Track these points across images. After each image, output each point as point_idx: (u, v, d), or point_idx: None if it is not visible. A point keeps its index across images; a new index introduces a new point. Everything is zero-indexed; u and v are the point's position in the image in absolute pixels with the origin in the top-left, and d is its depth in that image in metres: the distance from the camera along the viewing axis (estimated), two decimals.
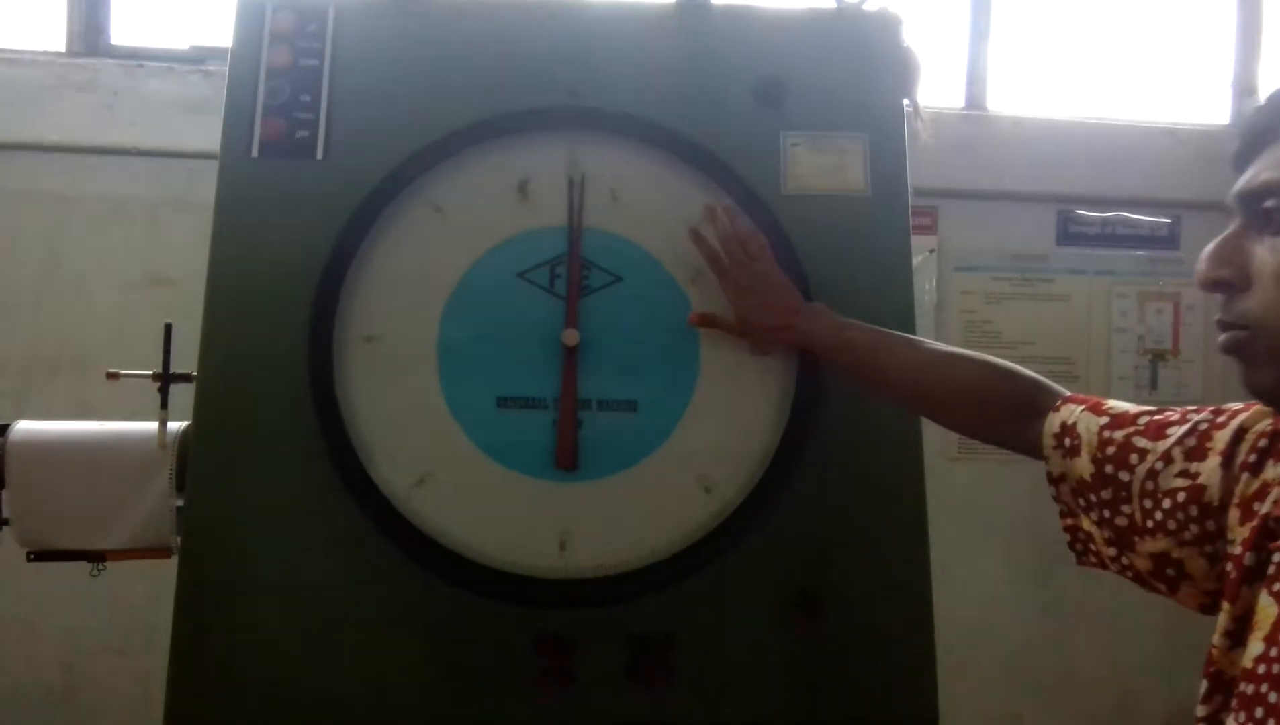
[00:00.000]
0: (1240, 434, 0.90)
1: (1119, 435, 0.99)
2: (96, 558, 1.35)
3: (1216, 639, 0.85)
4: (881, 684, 1.31)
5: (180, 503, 1.33)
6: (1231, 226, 0.83)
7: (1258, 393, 0.82)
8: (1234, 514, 0.88)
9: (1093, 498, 1.01)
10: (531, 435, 1.31)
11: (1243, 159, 0.84)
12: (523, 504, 1.30)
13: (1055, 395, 1.12)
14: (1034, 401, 1.13)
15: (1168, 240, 3.10)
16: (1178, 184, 3.04)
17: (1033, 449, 1.11)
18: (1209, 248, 0.83)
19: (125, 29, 2.89)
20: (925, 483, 1.36)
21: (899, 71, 1.47)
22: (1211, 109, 3.31)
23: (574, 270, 1.35)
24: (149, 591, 2.46)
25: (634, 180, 1.38)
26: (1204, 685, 0.86)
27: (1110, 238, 3.05)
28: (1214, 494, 0.90)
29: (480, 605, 1.27)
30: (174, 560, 1.31)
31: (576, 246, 1.35)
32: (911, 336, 1.28)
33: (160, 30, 2.90)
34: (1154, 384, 2.97)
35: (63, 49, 2.82)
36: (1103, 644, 3.08)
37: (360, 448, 1.28)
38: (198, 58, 2.78)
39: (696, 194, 1.37)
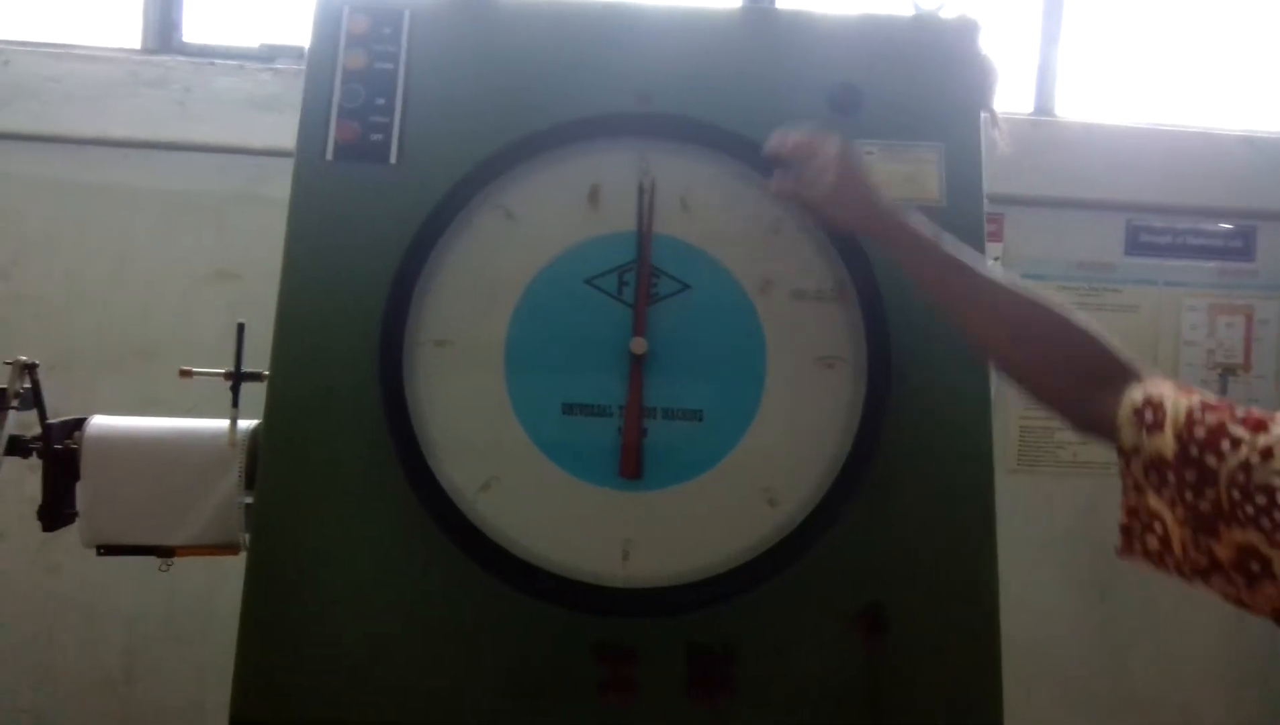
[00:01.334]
0: None
1: (1211, 418, 0.95)
2: (165, 553, 1.37)
3: None
4: (946, 701, 1.29)
5: (249, 500, 1.35)
6: None
7: None
8: None
9: (1171, 477, 0.96)
10: (597, 442, 1.31)
11: None
12: (586, 511, 1.30)
13: (1135, 372, 1.07)
14: (1111, 368, 1.08)
15: (1242, 251, 3.00)
16: (1253, 193, 2.95)
17: (1094, 422, 1.06)
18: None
19: (197, 26, 2.94)
20: (995, 493, 1.33)
21: (976, 80, 1.45)
22: None
23: (643, 277, 1.34)
24: (209, 580, 2.50)
25: (704, 188, 1.37)
26: None
27: (1181, 248, 2.97)
28: None
29: (542, 611, 1.27)
30: (240, 556, 1.35)
31: (646, 253, 1.35)
32: (1003, 272, 1.21)
33: (231, 28, 2.95)
34: (1224, 393, 2.89)
35: (137, 46, 2.87)
36: (1162, 660, 3.01)
37: (428, 450, 1.29)
38: (267, 56, 2.82)
39: (767, 203, 1.36)
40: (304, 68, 1.43)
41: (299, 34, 2.87)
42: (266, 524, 1.30)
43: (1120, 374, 1.07)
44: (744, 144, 1.36)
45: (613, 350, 1.32)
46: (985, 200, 1.42)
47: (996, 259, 2.79)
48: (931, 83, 1.43)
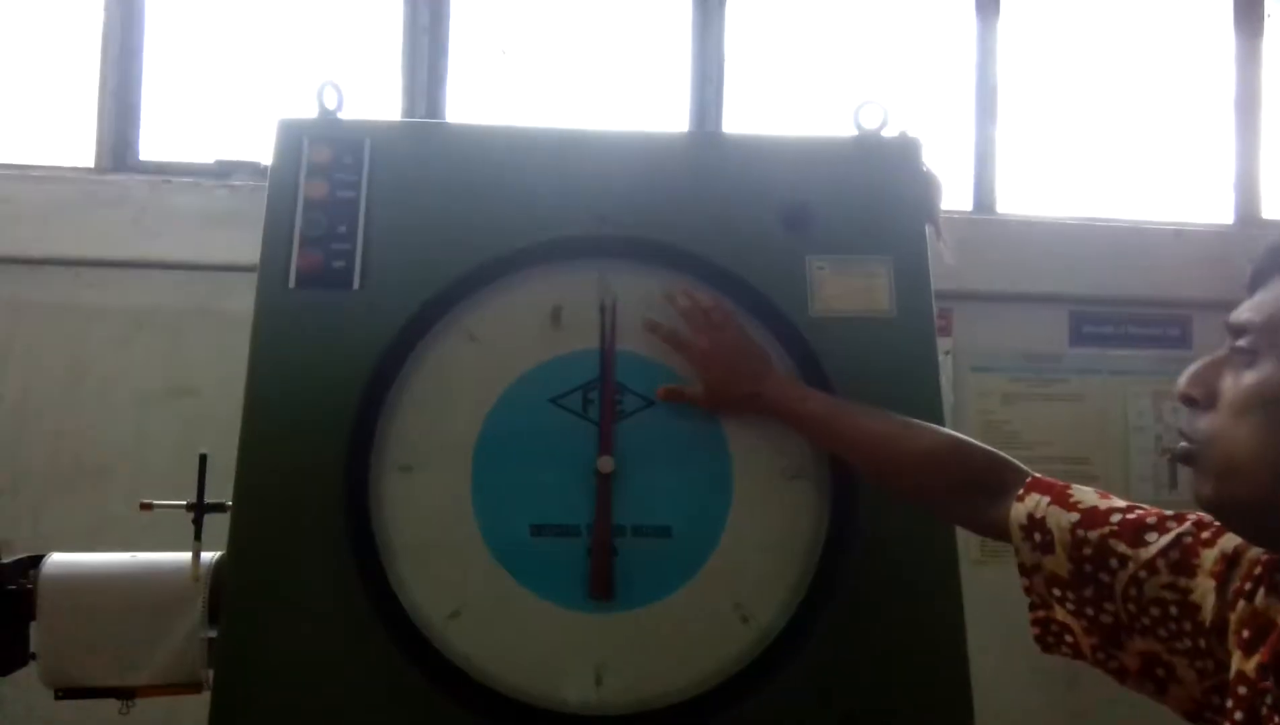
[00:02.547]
0: (1235, 559, 0.90)
1: (1093, 536, 0.99)
2: (126, 694, 1.33)
3: None
4: None
5: (213, 635, 1.32)
6: (1221, 349, 0.86)
7: (1200, 501, 0.84)
8: (1232, 641, 0.87)
9: (1071, 594, 1.00)
10: (566, 564, 1.30)
11: (1248, 289, 0.86)
12: (558, 636, 1.29)
13: (1018, 474, 1.12)
14: (994, 479, 1.13)
15: (1179, 339, 3.12)
16: (1187, 284, 3.08)
17: (992, 530, 1.11)
18: (1192, 366, 0.87)
19: (153, 143, 2.96)
20: (963, 596, 1.35)
21: (920, 194, 1.51)
22: (1216, 209, 3.36)
23: (607, 396, 1.36)
24: (166, 715, 2.41)
25: (666, 306, 1.39)
26: None
27: (1123, 337, 3.07)
28: (1208, 615, 0.90)
29: None
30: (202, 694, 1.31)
31: (609, 372, 1.37)
32: (875, 407, 1.29)
33: (187, 144, 2.98)
34: (1174, 483, 2.95)
35: (92, 165, 2.89)
36: None
37: (395, 580, 1.28)
38: (223, 172, 2.85)
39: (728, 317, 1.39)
40: (260, 183, 1.45)
41: (254, 150, 2.90)
42: (231, 660, 1.27)
43: (1011, 480, 1.11)
44: (701, 262, 1.40)
45: (580, 469, 1.33)
46: (935, 309, 1.46)
47: (947, 353, 2.86)
48: (877, 199, 1.49)
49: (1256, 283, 0.85)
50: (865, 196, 1.49)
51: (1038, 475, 1.11)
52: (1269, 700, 0.81)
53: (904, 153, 1.52)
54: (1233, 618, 0.88)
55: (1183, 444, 0.86)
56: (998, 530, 1.10)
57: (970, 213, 3.11)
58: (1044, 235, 3.07)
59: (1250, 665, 0.84)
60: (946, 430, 1.23)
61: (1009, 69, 3.28)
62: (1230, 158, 3.36)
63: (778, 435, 1.36)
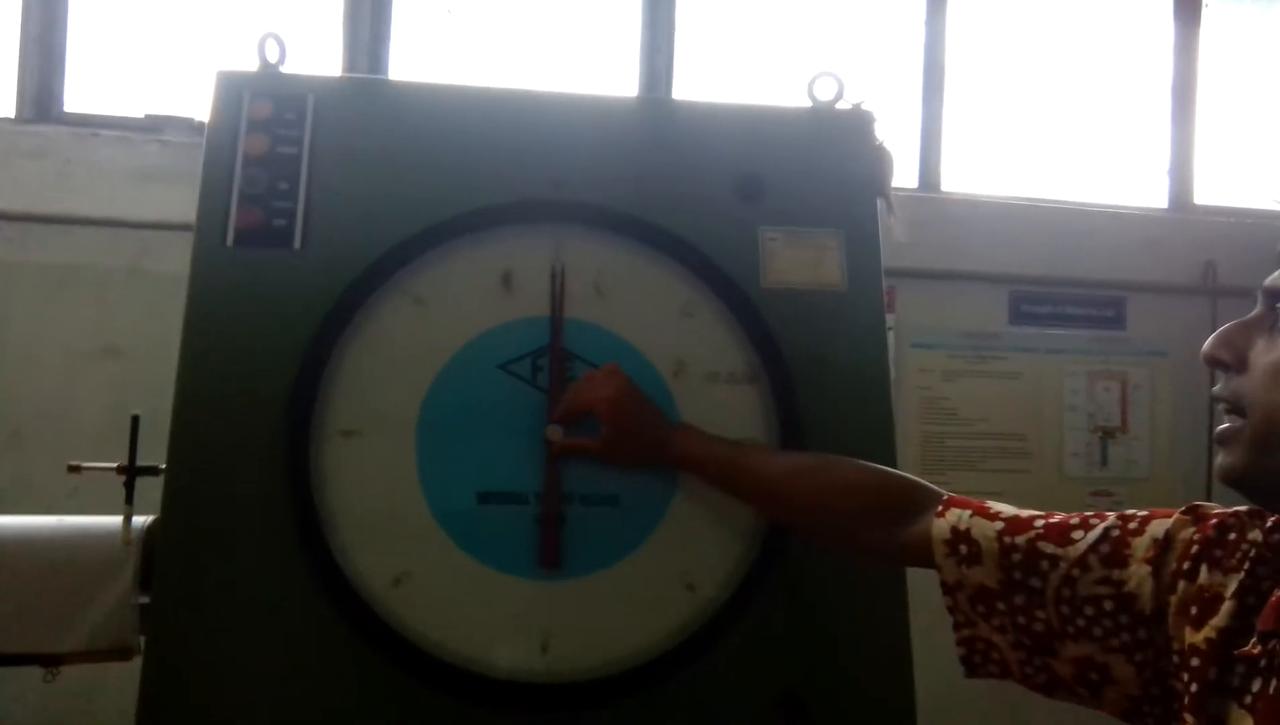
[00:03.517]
0: (1167, 542, 0.91)
1: (1020, 541, 0.99)
2: (52, 661, 1.29)
3: None
4: None
5: (144, 601, 1.28)
6: (1251, 313, 0.86)
7: (1227, 473, 0.84)
8: (1175, 623, 0.89)
9: (1000, 605, 0.99)
10: (512, 532, 1.29)
11: None
12: (503, 603, 1.27)
13: (932, 496, 1.11)
14: (908, 501, 1.12)
15: (1114, 320, 3.20)
16: (1123, 266, 3.16)
17: (911, 553, 1.09)
18: (1220, 329, 0.87)
19: (79, 95, 2.84)
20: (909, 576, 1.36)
21: (872, 168, 1.51)
22: (1150, 193, 3.45)
23: (556, 364, 1.34)
24: (90, 679, 2.35)
25: (617, 273, 1.38)
26: None
27: (1060, 317, 3.14)
28: (1145, 603, 0.91)
29: (459, 709, 1.23)
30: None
31: (558, 339, 1.35)
32: (779, 449, 1.30)
33: (114, 97, 2.86)
34: (1104, 460, 3.04)
35: (12, 115, 2.76)
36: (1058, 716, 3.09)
37: (336, 547, 1.24)
38: (153, 126, 2.74)
39: (679, 287, 1.38)
40: (193, 140, 1.40)
41: (187, 105, 2.80)
42: (164, 627, 1.23)
43: (926, 501, 1.11)
44: (655, 230, 1.39)
45: (528, 437, 1.31)
46: (894, 278, 1.47)
47: (890, 329, 2.88)
48: (830, 172, 1.48)
49: None
50: (818, 169, 1.48)
51: (952, 494, 1.10)
52: (1264, 664, 0.81)
53: (857, 126, 1.52)
54: (1174, 599, 0.89)
55: (1223, 426, 0.85)
56: (917, 551, 1.08)
57: (915, 191, 3.14)
58: (987, 214, 3.11)
59: (1200, 638, 0.85)
60: (855, 460, 1.21)
61: (955, 49, 3.30)
62: (1165, 143, 3.44)
63: (728, 406, 1.36)
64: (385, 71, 2.96)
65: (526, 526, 1.29)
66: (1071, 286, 3.16)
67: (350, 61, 2.92)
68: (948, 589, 1.04)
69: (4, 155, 2.65)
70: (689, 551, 1.31)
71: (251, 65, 1.42)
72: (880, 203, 1.50)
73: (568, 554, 1.29)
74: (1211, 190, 3.46)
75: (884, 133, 1.54)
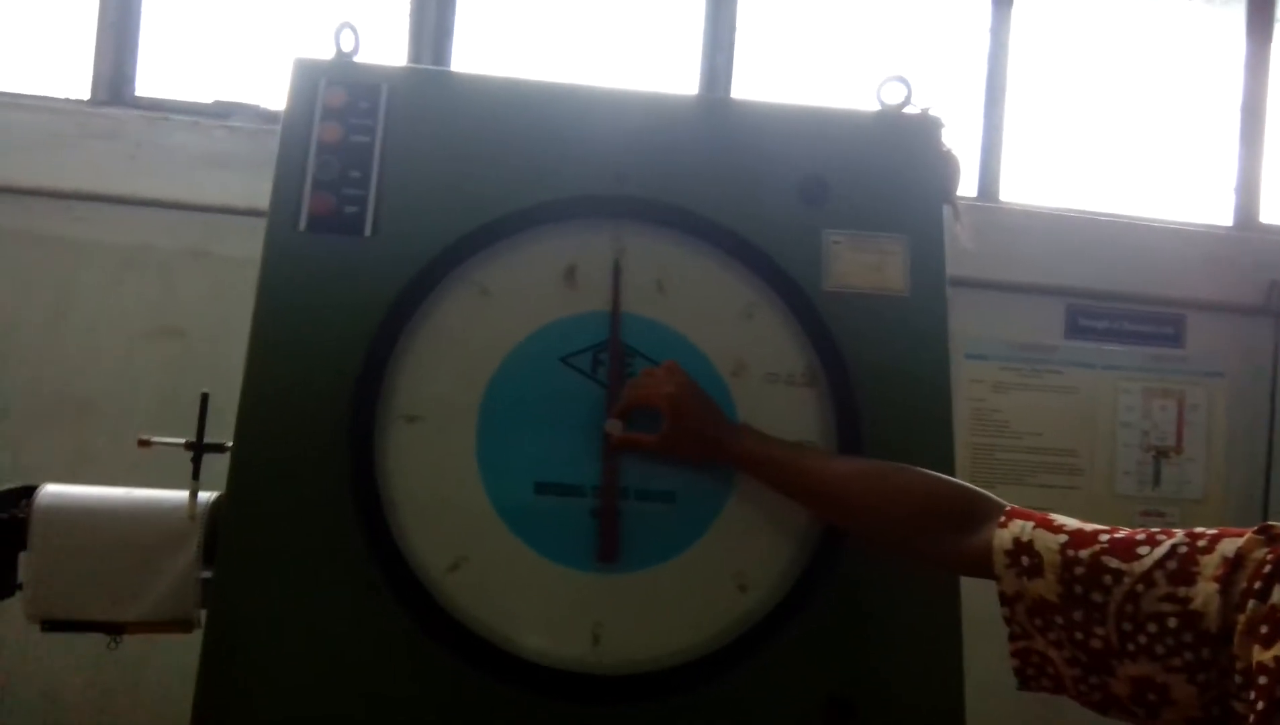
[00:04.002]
0: (1238, 561, 0.89)
1: (1084, 554, 0.97)
2: (115, 629, 1.32)
3: None
4: None
5: (207, 575, 1.31)
6: None
7: None
8: (1241, 642, 0.87)
9: (1058, 619, 0.98)
10: (568, 523, 1.30)
11: None
12: (556, 593, 1.28)
13: (994, 506, 1.10)
14: (970, 511, 1.11)
15: (1173, 338, 3.14)
16: (1183, 283, 3.10)
17: (970, 563, 1.08)
18: None
19: (150, 80, 2.91)
20: (961, 583, 1.35)
21: (939, 174, 1.50)
22: (1215, 210, 3.38)
23: (615, 358, 1.35)
24: (138, 651, 2.40)
25: (679, 270, 1.39)
26: None
27: (1117, 333, 3.09)
28: (1211, 622, 0.89)
29: (509, 696, 1.24)
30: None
31: (616, 333, 1.36)
32: (838, 453, 1.29)
33: (184, 82, 2.92)
34: (1157, 480, 2.99)
35: (87, 97, 2.83)
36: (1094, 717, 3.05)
37: (396, 529, 1.27)
38: (222, 112, 2.80)
39: (741, 287, 1.39)
40: (260, 126, 1.43)
41: (254, 92, 2.85)
42: (225, 601, 1.25)
43: (988, 512, 1.09)
44: (718, 229, 1.39)
45: (587, 430, 1.32)
46: (948, 288, 1.46)
47: None
48: (895, 176, 1.48)
49: None
50: (884, 173, 1.48)
51: (1015, 506, 1.09)
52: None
53: (925, 131, 1.51)
54: (1242, 619, 0.87)
55: None
56: (976, 562, 1.07)
57: (974, 200, 3.11)
58: (1045, 226, 3.07)
59: (1269, 656, 0.84)
60: (915, 468, 1.20)
61: (1018, 57, 3.27)
62: (1233, 161, 3.37)
63: (786, 404, 1.36)
64: (448, 64, 2.99)
65: (582, 518, 1.30)
66: (1130, 302, 3.10)
67: (415, 53, 2.96)
68: (1006, 600, 1.03)
69: (77, 136, 2.71)
70: (742, 552, 1.31)
71: (327, 54, 1.44)
72: (946, 209, 1.49)
73: (622, 548, 1.29)
74: (1278, 209, 3.39)
75: (951, 138, 1.53)
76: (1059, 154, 3.31)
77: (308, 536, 1.27)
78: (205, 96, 2.86)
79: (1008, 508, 1.09)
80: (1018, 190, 3.22)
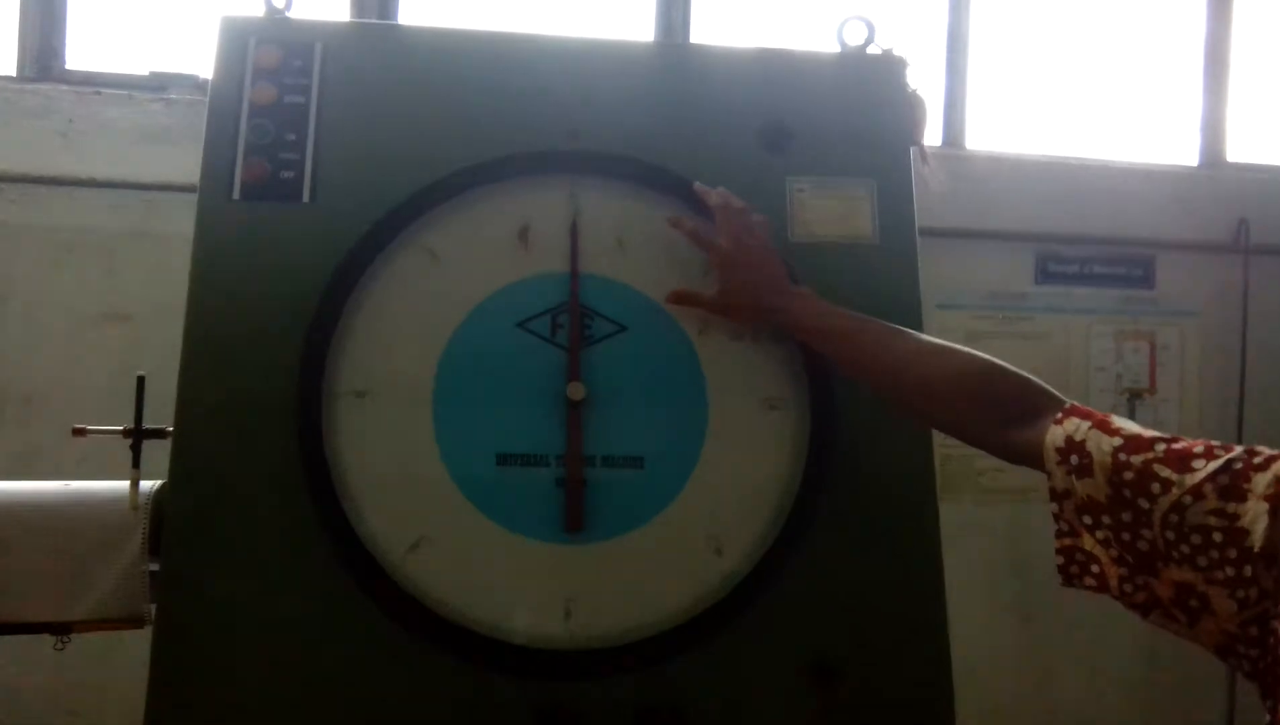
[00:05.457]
0: None
1: (1137, 460, 0.95)
2: (61, 629, 1.25)
3: None
4: None
5: (154, 568, 1.24)
6: None
7: None
8: None
9: (1106, 519, 0.97)
10: (533, 495, 1.24)
11: None
12: (524, 568, 1.23)
13: (1053, 401, 1.08)
14: (1029, 403, 1.09)
15: (1143, 279, 3.12)
16: (1152, 224, 3.07)
17: (1020, 454, 1.07)
18: None
19: (80, 53, 2.77)
20: (941, 534, 1.32)
21: (905, 115, 1.44)
22: (1182, 150, 3.36)
23: (575, 320, 1.29)
24: (103, 648, 2.33)
25: (639, 226, 1.32)
26: None
27: (1088, 277, 3.06)
28: (1257, 539, 0.87)
29: (479, 677, 1.19)
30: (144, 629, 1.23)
31: (575, 294, 1.29)
32: (901, 328, 1.23)
33: (118, 55, 2.80)
34: (1131, 417, 2.98)
35: (14, 73, 2.70)
36: (1086, 682, 3.06)
37: (351, 510, 1.20)
38: (158, 85, 2.68)
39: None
40: (199, 98, 1.34)
41: (192, 62, 2.74)
42: (175, 594, 1.19)
43: (1046, 406, 1.07)
44: (679, 182, 1.32)
45: (548, 396, 1.26)
46: (918, 236, 1.41)
47: None
48: (860, 119, 1.42)
49: None
50: (848, 116, 1.42)
51: (1076, 403, 1.06)
52: None
53: (888, 72, 1.46)
54: None
55: None
56: (1027, 453, 1.05)
57: (939, 148, 3.06)
58: (1012, 172, 3.03)
59: None
60: (977, 353, 1.16)
61: (980, 2, 3.21)
62: (1198, 99, 3.34)
63: (755, 362, 1.31)
64: (395, 17, 2.88)
65: (548, 489, 1.24)
66: (1100, 245, 3.07)
67: (359, 7, 2.84)
68: (1055, 496, 1.02)
69: (5, 115, 2.59)
70: (716, 514, 1.26)
71: (257, 10, 1.35)
72: (913, 152, 1.44)
73: (590, 517, 1.24)
74: (1245, 147, 3.36)
75: (916, 79, 1.47)
76: (1023, 99, 3.27)
77: (257, 522, 1.20)
78: (140, 68, 2.73)
79: (1068, 404, 1.06)
80: (983, 138, 3.17)
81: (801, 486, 1.27)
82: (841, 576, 1.27)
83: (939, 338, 1.24)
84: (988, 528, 2.88)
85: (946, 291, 2.91)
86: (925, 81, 3.06)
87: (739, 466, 1.28)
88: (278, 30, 1.35)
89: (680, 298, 1.28)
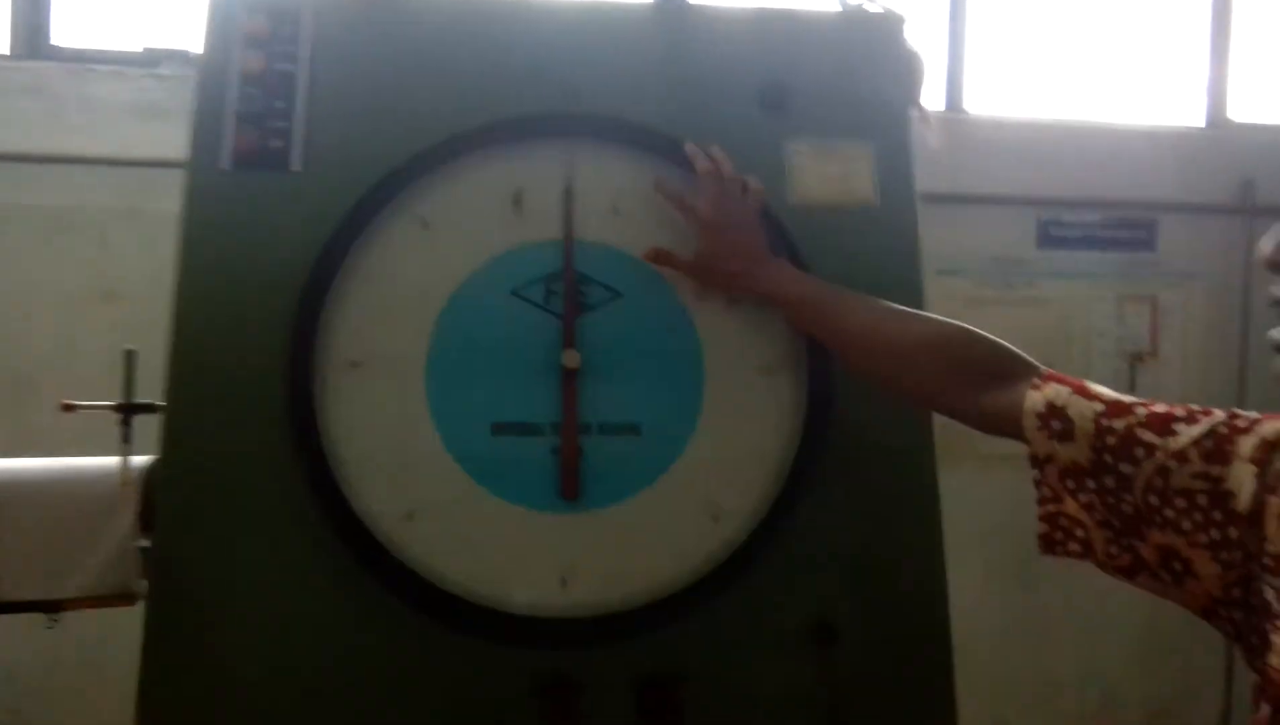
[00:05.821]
0: (1277, 443, 0.87)
1: (1119, 424, 0.94)
2: (52, 608, 1.24)
3: (1278, 660, 0.82)
4: (901, 706, 1.26)
5: (146, 544, 1.23)
6: None
7: None
8: (1274, 525, 0.84)
9: (1090, 483, 0.96)
10: (529, 463, 1.23)
11: None
12: (521, 538, 1.22)
13: (1028, 367, 1.07)
14: (1003, 369, 1.07)
15: (1146, 242, 3.09)
16: (1155, 186, 3.04)
17: (997, 422, 1.05)
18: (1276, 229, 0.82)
19: (69, 29, 2.74)
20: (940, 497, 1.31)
21: (903, 75, 1.42)
22: (1185, 111, 3.32)
23: (570, 286, 1.27)
24: (99, 628, 2.33)
25: (635, 191, 1.30)
26: (1266, 710, 0.83)
27: (1090, 241, 3.04)
28: (1243, 502, 0.87)
29: (477, 648, 1.19)
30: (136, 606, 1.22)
31: (569, 261, 1.27)
32: (872, 297, 1.21)
33: (108, 31, 2.77)
34: (1133, 387, 2.96)
35: (5, 51, 2.67)
36: (1083, 646, 3.07)
37: (344, 481, 1.19)
38: (150, 61, 2.65)
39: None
40: (192, 73, 1.32)
41: (184, 38, 2.71)
42: (168, 570, 1.18)
43: (1022, 372, 1.06)
44: (675, 145, 1.30)
45: (543, 364, 1.25)
46: (918, 199, 1.39)
47: None
48: (858, 80, 1.40)
49: None
50: (846, 77, 1.39)
51: (1052, 370, 1.05)
52: None
53: (887, 30, 1.43)
54: (1275, 501, 0.85)
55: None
56: (1004, 421, 1.04)
57: (939, 112, 3.02)
58: (1013, 135, 3.00)
59: None
60: (951, 320, 1.16)
61: None
62: (1203, 60, 3.30)
63: (752, 328, 1.29)
64: None
65: (544, 458, 1.23)
66: (1102, 208, 3.04)
67: None
68: (1036, 462, 1.01)
69: None
70: (713, 480, 1.25)
71: None
72: (913, 112, 1.41)
73: (587, 485, 1.23)
74: (1249, 107, 3.32)
75: (915, 38, 1.44)
76: (1024, 62, 3.22)
77: (251, 496, 1.19)
78: (131, 45, 2.70)
79: (1044, 371, 1.05)
80: (984, 101, 3.14)
81: (799, 451, 1.26)
82: (840, 540, 1.26)
83: (941, 304, 1.22)
84: (987, 496, 2.86)
85: (947, 258, 2.89)
86: (925, 43, 3.04)
87: (736, 432, 1.27)
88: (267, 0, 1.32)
89: (658, 256, 1.27)
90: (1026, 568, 2.93)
